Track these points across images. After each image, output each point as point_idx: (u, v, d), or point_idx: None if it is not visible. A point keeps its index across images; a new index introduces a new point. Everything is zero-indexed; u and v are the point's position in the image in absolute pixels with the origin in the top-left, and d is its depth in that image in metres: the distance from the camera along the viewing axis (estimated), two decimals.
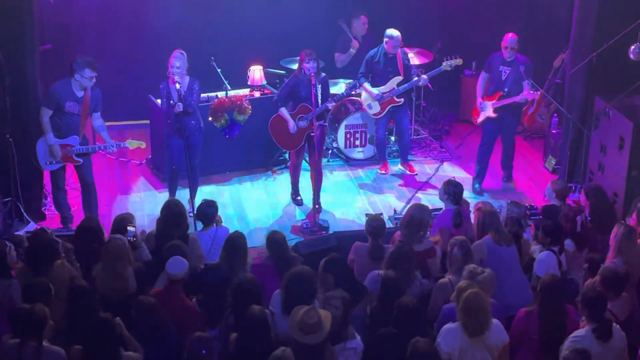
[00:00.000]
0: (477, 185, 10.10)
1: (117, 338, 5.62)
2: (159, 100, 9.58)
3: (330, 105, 9.15)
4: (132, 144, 8.84)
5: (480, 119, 10.04)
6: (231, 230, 7.35)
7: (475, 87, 10.21)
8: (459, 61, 10.08)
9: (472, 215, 7.78)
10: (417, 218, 7.19)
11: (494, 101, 9.82)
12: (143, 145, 8.96)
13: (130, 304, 6.08)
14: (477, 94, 10.07)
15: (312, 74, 8.93)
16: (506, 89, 9.73)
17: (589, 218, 7.76)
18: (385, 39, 9.96)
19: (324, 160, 10.58)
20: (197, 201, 7.96)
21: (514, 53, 9.65)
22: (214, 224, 7.56)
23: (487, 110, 9.89)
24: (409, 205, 8.10)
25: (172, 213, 7.24)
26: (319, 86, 9.06)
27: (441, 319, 6.26)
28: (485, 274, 6.23)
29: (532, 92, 9.61)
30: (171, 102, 8.79)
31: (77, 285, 6.21)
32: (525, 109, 10.73)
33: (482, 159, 10.10)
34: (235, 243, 6.87)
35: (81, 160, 8.65)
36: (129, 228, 7.05)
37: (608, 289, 6.31)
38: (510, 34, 9.66)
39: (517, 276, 6.98)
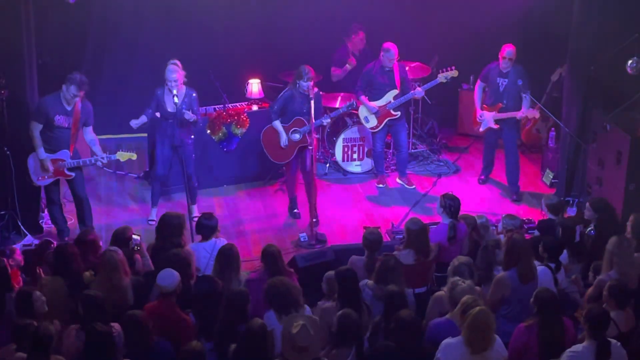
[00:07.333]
0: (483, 177, 10.56)
1: (115, 348, 5.63)
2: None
3: (326, 121, 9.23)
4: (122, 156, 8.77)
5: (482, 128, 10.21)
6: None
7: (472, 101, 10.24)
8: (454, 73, 10.10)
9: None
10: (414, 231, 7.23)
11: (494, 113, 9.96)
12: (134, 157, 8.85)
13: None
14: (475, 104, 10.24)
15: (308, 91, 8.97)
16: (505, 101, 9.88)
17: (593, 232, 7.72)
18: (381, 53, 9.99)
19: (322, 173, 10.62)
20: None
21: (511, 64, 9.74)
22: (213, 237, 7.55)
23: (489, 122, 10.04)
24: (406, 220, 8.09)
25: (170, 225, 7.27)
26: (312, 101, 9.04)
27: (429, 334, 6.15)
28: (465, 286, 6.19)
29: (530, 109, 9.72)
30: (157, 113, 9.00)
31: (88, 295, 6.20)
32: (522, 123, 10.76)
33: (487, 156, 10.52)
34: (227, 255, 6.88)
35: (73, 175, 8.64)
36: (133, 236, 7.08)
37: (613, 302, 6.30)
38: (508, 45, 9.78)
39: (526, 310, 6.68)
